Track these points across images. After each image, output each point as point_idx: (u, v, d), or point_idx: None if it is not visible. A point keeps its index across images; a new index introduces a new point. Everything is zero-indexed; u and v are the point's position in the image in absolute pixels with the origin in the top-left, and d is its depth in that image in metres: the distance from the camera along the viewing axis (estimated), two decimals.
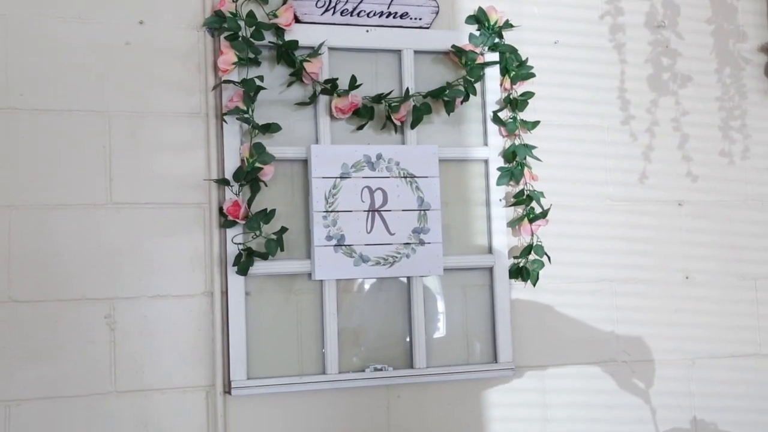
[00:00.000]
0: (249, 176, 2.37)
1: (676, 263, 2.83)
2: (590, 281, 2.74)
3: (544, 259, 2.64)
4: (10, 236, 2.25)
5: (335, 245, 2.45)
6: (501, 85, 2.68)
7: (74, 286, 2.29)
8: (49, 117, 2.31)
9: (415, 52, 2.60)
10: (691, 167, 2.88)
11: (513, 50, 2.67)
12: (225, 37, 2.40)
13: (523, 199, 2.64)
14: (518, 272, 2.63)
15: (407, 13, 2.60)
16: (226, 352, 2.38)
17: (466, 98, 2.61)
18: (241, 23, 2.41)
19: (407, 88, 2.55)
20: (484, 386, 2.61)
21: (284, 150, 2.46)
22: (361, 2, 2.56)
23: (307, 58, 2.46)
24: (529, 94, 2.67)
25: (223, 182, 2.39)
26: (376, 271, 2.49)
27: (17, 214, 2.27)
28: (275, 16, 2.45)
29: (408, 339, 2.54)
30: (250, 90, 2.37)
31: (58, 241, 2.29)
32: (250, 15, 2.42)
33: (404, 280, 2.55)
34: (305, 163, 2.49)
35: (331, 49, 2.52)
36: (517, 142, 2.67)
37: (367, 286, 2.55)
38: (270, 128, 2.41)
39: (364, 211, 2.49)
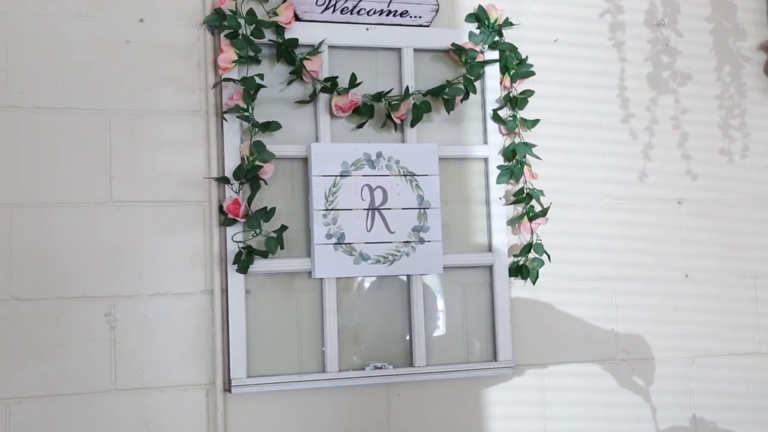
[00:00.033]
0: (249, 174, 2.37)
1: (675, 261, 2.83)
2: (590, 279, 2.74)
3: (544, 257, 2.64)
4: (10, 234, 2.26)
5: (335, 243, 2.45)
6: (501, 83, 2.68)
7: (75, 284, 2.29)
8: (50, 115, 2.31)
9: (415, 50, 2.60)
10: (691, 165, 2.88)
11: (513, 48, 2.67)
12: (225, 35, 2.40)
13: (522, 197, 2.64)
14: (518, 270, 2.63)
15: (407, 12, 2.60)
16: (226, 350, 2.38)
17: (466, 96, 2.61)
18: (241, 21, 2.41)
19: (407, 87, 2.55)
20: (484, 384, 2.62)
21: (284, 148, 2.46)
22: (361, 0, 2.56)
23: (307, 56, 2.46)
24: (528, 93, 2.67)
25: (223, 180, 2.39)
26: (376, 270, 2.49)
27: (18, 212, 2.27)
28: (275, 14, 2.45)
29: (408, 337, 2.55)
30: (250, 88, 2.37)
31: (59, 239, 2.29)
32: (250, 13, 2.41)
33: (404, 278, 2.56)
34: (305, 161, 2.49)
35: (331, 47, 2.53)
36: (516, 140, 2.67)
37: (367, 285, 2.55)
38: (270, 126, 2.41)
39: (364, 209, 2.49)
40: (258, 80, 2.38)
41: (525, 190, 2.65)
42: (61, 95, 2.33)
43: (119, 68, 2.38)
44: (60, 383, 2.27)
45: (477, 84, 2.63)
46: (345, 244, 2.46)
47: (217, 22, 2.40)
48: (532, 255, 2.63)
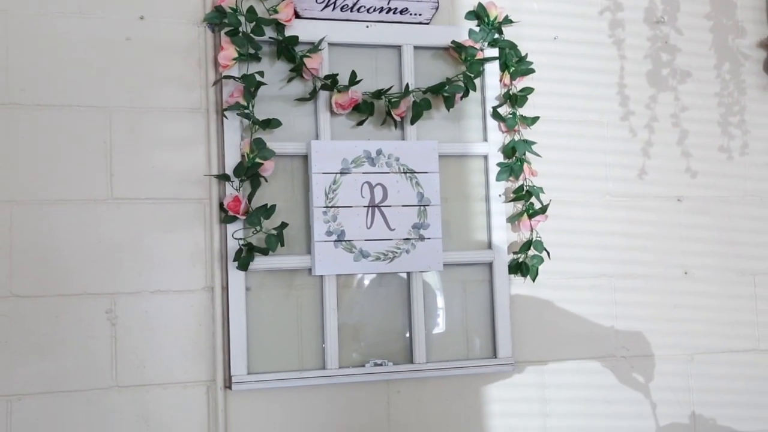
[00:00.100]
0: (249, 172, 2.38)
1: (675, 259, 2.83)
2: (589, 277, 2.75)
3: (544, 254, 2.64)
4: (11, 231, 2.26)
5: (335, 241, 2.45)
6: (500, 80, 2.68)
7: (75, 281, 2.30)
8: (50, 112, 2.32)
9: (415, 47, 2.61)
10: (691, 163, 2.88)
11: (512, 46, 2.68)
12: (225, 33, 2.40)
13: (522, 194, 2.65)
14: (518, 268, 2.64)
15: (407, 9, 2.60)
16: (227, 347, 2.38)
17: (466, 94, 2.61)
18: (242, 19, 2.41)
19: (407, 84, 2.56)
20: (484, 381, 2.62)
21: (284, 145, 2.46)
22: None
23: (308, 54, 2.47)
24: (528, 90, 2.68)
25: (223, 178, 2.39)
26: (376, 267, 2.49)
27: (18, 210, 2.27)
28: (275, 11, 2.45)
29: (408, 334, 2.55)
30: (251, 85, 2.37)
31: (59, 236, 2.30)
32: (251, 10, 2.42)
33: (404, 275, 2.56)
34: (305, 158, 2.49)
35: (331, 44, 2.53)
36: (516, 137, 2.67)
37: (367, 282, 2.55)
38: (270, 124, 2.41)
39: (364, 206, 2.50)
40: (258, 78, 2.38)
41: (525, 188, 2.66)
42: (61, 93, 2.33)
43: (119, 66, 2.38)
44: (61, 380, 2.27)
45: (477, 81, 2.63)
46: (345, 241, 2.46)
47: (218, 19, 2.41)
48: (531, 252, 2.64)
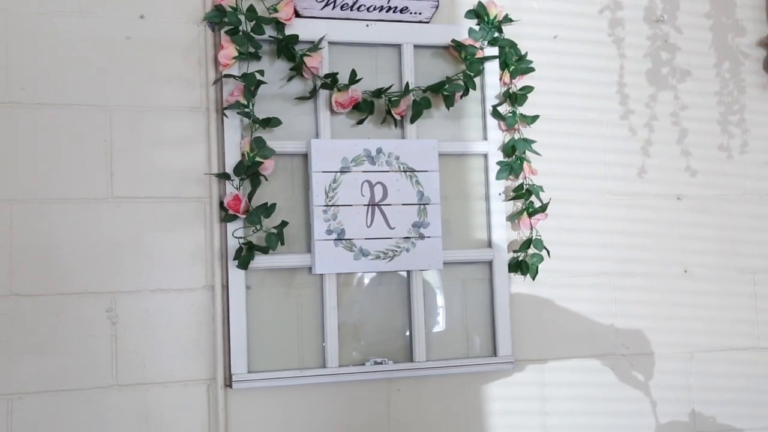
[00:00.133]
0: (249, 170, 2.38)
1: (674, 257, 2.84)
2: (589, 275, 2.75)
3: (544, 253, 2.64)
4: (11, 230, 2.26)
5: (335, 239, 2.46)
6: (500, 79, 2.68)
7: (75, 280, 2.30)
8: (50, 111, 2.32)
9: (415, 46, 2.61)
10: (690, 162, 2.88)
11: (512, 45, 2.68)
12: (225, 32, 2.40)
13: (522, 193, 2.65)
14: (517, 266, 2.64)
15: (407, 8, 2.60)
16: (227, 346, 2.39)
17: (466, 93, 2.61)
18: (242, 17, 2.41)
19: (407, 83, 2.56)
20: (484, 380, 2.62)
21: (284, 144, 2.46)
22: None
23: (308, 53, 2.47)
24: (528, 89, 2.68)
25: (223, 176, 2.39)
26: (376, 265, 2.49)
27: (18, 208, 2.27)
28: (275, 10, 2.45)
29: (408, 333, 2.55)
30: (251, 84, 2.37)
31: (60, 235, 2.30)
32: (251, 9, 2.42)
33: (404, 274, 2.56)
34: (305, 157, 2.50)
35: (331, 43, 2.53)
36: (516, 136, 2.67)
37: (367, 280, 2.56)
38: (270, 122, 2.42)
39: (364, 205, 2.50)
40: (258, 76, 2.38)
41: (524, 186, 2.66)
42: (61, 91, 2.33)
43: (120, 65, 2.38)
44: (61, 379, 2.27)
45: (477, 80, 2.64)
46: (345, 239, 2.46)
47: (218, 18, 2.41)
48: (531, 251, 2.64)
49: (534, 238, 2.64)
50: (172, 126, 2.41)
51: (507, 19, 2.68)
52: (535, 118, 2.68)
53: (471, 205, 2.66)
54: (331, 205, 2.46)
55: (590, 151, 2.79)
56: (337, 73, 2.48)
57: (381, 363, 2.50)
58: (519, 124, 2.67)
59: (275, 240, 2.38)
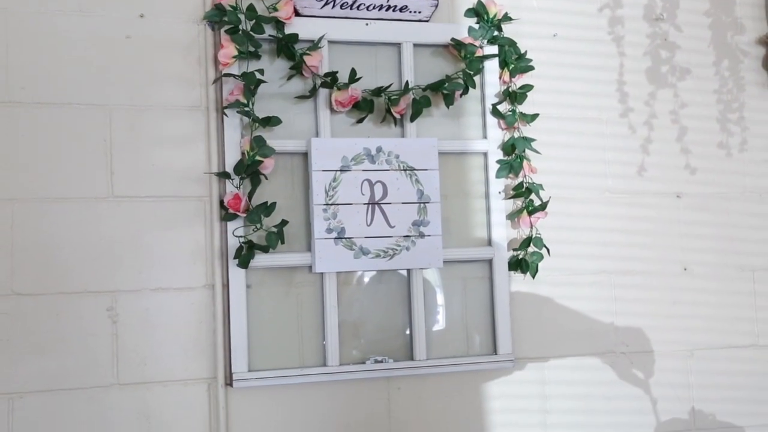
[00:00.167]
0: (249, 169, 2.38)
1: (674, 255, 2.84)
2: (589, 273, 2.75)
3: (544, 251, 2.65)
4: (12, 229, 2.26)
5: (335, 238, 2.46)
6: (500, 78, 2.68)
7: (76, 279, 2.30)
8: (50, 110, 2.32)
9: (415, 45, 2.61)
10: (690, 160, 2.89)
11: (512, 43, 2.68)
12: (225, 31, 2.40)
13: (522, 191, 2.65)
14: (517, 264, 2.64)
15: (406, 6, 2.60)
16: (228, 345, 2.39)
17: (466, 91, 2.61)
18: (242, 17, 2.41)
19: (407, 81, 2.56)
20: (484, 378, 2.63)
21: (284, 143, 2.46)
22: None
23: (307, 52, 2.47)
24: (528, 87, 2.68)
25: (223, 175, 2.39)
26: (376, 264, 2.50)
27: (19, 208, 2.27)
28: (275, 9, 2.45)
29: (408, 331, 2.55)
30: (251, 83, 2.38)
31: (60, 234, 2.30)
32: (250, 8, 2.42)
33: (404, 272, 2.56)
34: (305, 156, 2.50)
35: (330, 42, 2.53)
36: (516, 134, 2.67)
37: (367, 279, 2.56)
38: (270, 121, 2.42)
39: (364, 203, 2.50)
40: (258, 75, 2.39)
41: (524, 185, 2.66)
42: (61, 91, 2.33)
43: (120, 64, 2.38)
44: (62, 378, 2.27)
45: (476, 79, 2.64)
46: (345, 238, 2.47)
47: (218, 17, 2.41)
48: (531, 249, 2.64)
49: (534, 236, 2.65)
50: (172, 125, 2.41)
51: (506, 18, 2.68)
52: (534, 116, 2.68)
53: (471, 203, 2.66)
54: (331, 204, 2.46)
55: (590, 150, 2.79)
56: (336, 72, 2.48)
57: (381, 361, 2.50)
58: (519, 123, 2.67)
59: (275, 239, 2.38)
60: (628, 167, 2.83)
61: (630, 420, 2.73)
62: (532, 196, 2.65)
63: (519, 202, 2.68)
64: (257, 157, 2.38)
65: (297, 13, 2.49)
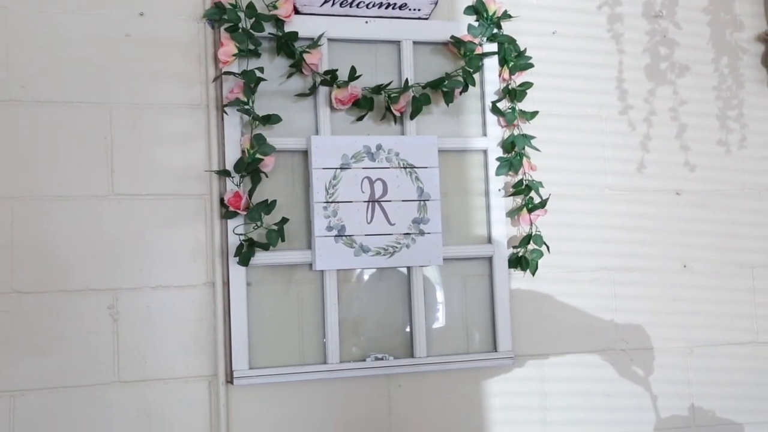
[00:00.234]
0: (250, 167, 2.38)
1: (674, 252, 2.84)
2: (589, 270, 2.75)
3: (543, 248, 2.65)
4: (12, 228, 2.26)
5: (336, 236, 2.46)
6: (500, 75, 2.69)
7: (77, 277, 2.30)
8: (50, 109, 2.32)
9: (414, 42, 2.61)
10: (689, 157, 2.89)
11: (511, 41, 2.68)
12: (225, 29, 2.41)
13: (522, 189, 2.65)
14: (517, 262, 2.65)
15: (406, 4, 2.60)
16: (228, 342, 2.39)
17: (465, 89, 2.61)
18: (241, 15, 2.41)
19: (406, 79, 2.56)
20: (484, 375, 2.63)
21: (285, 141, 2.47)
22: None
23: (307, 50, 2.47)
24: (527, 85, 2.68)
25: (224, 173, 2.40)
26: (376, 262, 2.50)
27: (19, 206, 2.28)
28: (275, 7, 2.45)
29: (408, 328, 2.56)
30: (251, 81, 2.38)
31: (61, 232, 2.30)
32: (250, 6, 2.42)
33: (404, 270, 2.57)
34: (305, 154, 2.50)
35: (330, 40, 2.53)
36: (515, 132, 2.68)
37: (367, 277, 2.56)
38: (270, 119, 2.42)
39: (364, 201, 2.50)
40: (258, 73, 2.39)
41: (524, 182, 2.66)
42: (61, 89, 2.33)
43: (119, 62, 2.38)
44: (63, 376, 2.28)
45: (476, 76, 2.64)
46: (345, 236, 2.47)
47: (217, 15, 2.41)
48: (531, 246, 2.64)
49: (534, 233, 2.65)
50: (173, 123, 2.41)
51: (506, 15, 2.68)
52: (534, 113, 2.68)
53: (471, 201, 2.66)
54: (332, 202, 2.47)
55: (589, 147, 2.79)
56: (336, 70, 2.48)
57: (381, 359, 2.50)
58: (518, 120, 2.67)
59: (276, 237, 2.39)
60: (628, 164, 2.83)
61: (630, 417, 2.74)
62: (532, 194, 2.66)
63: (519, 200, 2.68)
64: (257, 155, 2.38)
65: (297, 11, 2.50)
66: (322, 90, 2.50)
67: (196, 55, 2.44)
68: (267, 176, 2.42)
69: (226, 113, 2.41)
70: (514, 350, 2.63)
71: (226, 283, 2.40)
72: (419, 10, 2.61)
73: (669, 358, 2.80)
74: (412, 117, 2.57)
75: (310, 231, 2.47)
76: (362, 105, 2.52)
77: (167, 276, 2.37)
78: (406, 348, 2.55)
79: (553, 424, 2.68)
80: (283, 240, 2.40)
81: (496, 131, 2.67)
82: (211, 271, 2.40)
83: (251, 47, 2.41)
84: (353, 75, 2.49)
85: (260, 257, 2.40)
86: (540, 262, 2.64)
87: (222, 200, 2.40)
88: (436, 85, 2.58)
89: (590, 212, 2.77)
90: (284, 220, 2.41)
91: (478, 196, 2.66)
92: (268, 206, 2.39)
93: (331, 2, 2.53)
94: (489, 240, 2.65)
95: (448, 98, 2.58)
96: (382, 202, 2.51)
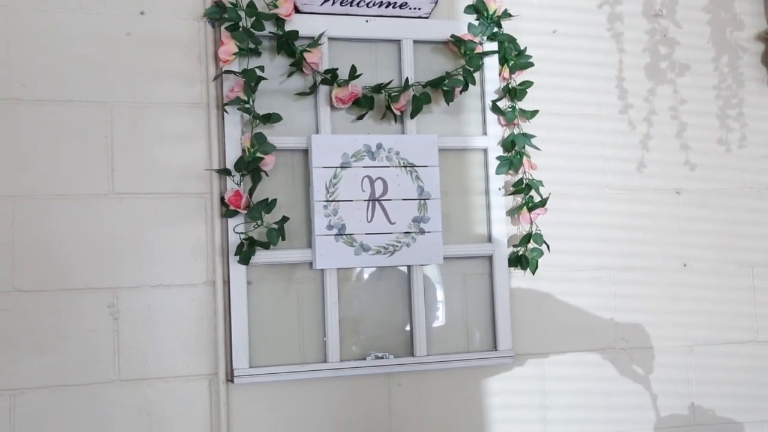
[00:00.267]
0: (250, 166, 2.39)
1: (674, 251, 2.84)
2: (589, 269, 2.76)
3: (543, 247, 2.65)
4: (13, 226, 2.27)
5: (336, 234, 2.46)
6: (500, 74, 2.69)
7: (77, 276, 2.31)
8: (51, 108, 2.32)
9: (415, 41, 2.61)
10: (689, 156, 2.89)
11: (512, 40, 2.68)
12: (225, 28, 2.41)
13: (522, 187, 2.66)
14: (517, 261, 2.65)
15: (406, 3, 2.60)
16: (229, 341, 2.39)
17: (465, 88, 2.62)
18: (242, 13, 2.41)
19: (407, 78, 2.56)
20: (484, 374, 2.63)
21: (285, 140, 2.47)
22: None
23: (307, 48, 2.47)
24: (527, 84, 2.68)
25: (224, 172, 2.40)
26: (377, 260, 2.50)
27: (20, 205, 2.28)
28: (275, 6, 2.45)
29: (408, 327, 2.56)
30: (251, 80, 2.38)
31: (61, 231, 2.30)
32: (251, 5, 2.42)
33: (404, 269, 2.57)
34: (306, 152, 2.50)
35: (330, 39, 2.53)
36: (516, 131, 2.68)
37: (367, 275, 2.56)
38: (271, 118, 2.42)
39: (365, 200, 2.50)
40: (258, 72, 2.39)
41: (524, 181, 2.66)
42: (62, 88, 2.33)
43: (120, 61, 2.38)
44: (63, 374, 2.28)
45: (476, 75, 2.64)
46: (346, 235, 2.47)
47: (218, 14, 2.41)
48: (531, 245, 2.65)
49: (534, 232, 2.65)
50: (173, 122, 2.41)
51: (506, 14, 2.68)
52: (534, 112, 2.68)
53: (471, 200, 2.67)
54: (332, 201, 2.47)
55: (589, 146, 2.79)
56: (336, 69, 2.48)
57: (382, 357, 2.51)
58: (518, 119, 2.67)
59: (276, 235, 2.39)
60: (628, 163, 2.83)
61: (630, 416, 2.74)
62: (532, 193, 2.66)
63: (519, 199, 2.68)
64: (258, 154, 2.38)
65: (297, 10, 2.50)
66: (323, 89, 2.50)
67: (197, 53, 2.44)
68: (267, 175, 2.43)
69: (226, 112, 2.41)
70: (514, 349, 2.63)
71: (227, 282, 2.40)
72: (419, 9, 2.62)
73: (669, 357, 2.80)
74: (412, 116, 2.57)
75: (310, 230, 2.47)
76: (362, 104, 2.52)
77: (168, 275, 2.37)
78: (407, 347, 2.55)
79: (553, 423, 2.68)
80: (283, 239, 2.40)
81: (497, 130, 2.67)
82: (212, 269, 2.40)
83: (252, 46, 2.41)
84: (353, 74, 2.49)
85: (260, 256, 2.40)
86: (540, 261, 2.65)
87: (222, 199, 2.40)
88: (436, 84, 2.58)
89: (590, 211, 2.77)
90: (284, 219, 2.41)
91: (479, 195, 2.67)
92: (268, 205, 2.39)
93: (331, 1, 2.53)
94: (489, 239, 2.65)
95: (449, 97, 2.59)
96: (382, 201, 2.51)
